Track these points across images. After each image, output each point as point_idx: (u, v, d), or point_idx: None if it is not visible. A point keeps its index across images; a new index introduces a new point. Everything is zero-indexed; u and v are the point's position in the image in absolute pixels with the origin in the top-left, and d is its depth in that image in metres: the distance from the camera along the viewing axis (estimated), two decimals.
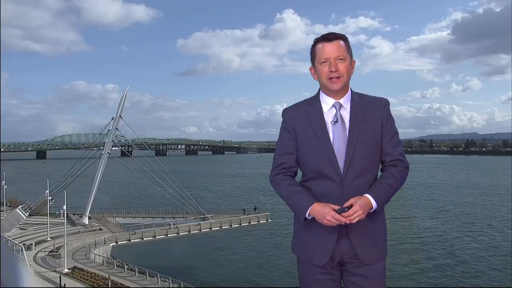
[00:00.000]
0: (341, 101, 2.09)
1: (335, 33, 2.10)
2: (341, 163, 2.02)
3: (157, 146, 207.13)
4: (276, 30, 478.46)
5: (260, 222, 41.62)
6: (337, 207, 1.95)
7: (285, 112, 2.18)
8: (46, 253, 30.95)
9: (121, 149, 59.88)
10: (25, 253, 27.41)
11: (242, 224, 40.92)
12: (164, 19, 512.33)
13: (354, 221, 1.93)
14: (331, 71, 2.03)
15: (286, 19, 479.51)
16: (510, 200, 57.77)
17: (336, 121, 2.06)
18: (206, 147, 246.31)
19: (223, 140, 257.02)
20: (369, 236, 2.07)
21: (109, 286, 23.66)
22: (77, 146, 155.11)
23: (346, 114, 2.08)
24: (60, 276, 24.07)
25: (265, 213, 42.74)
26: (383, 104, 2.12)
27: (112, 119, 49.13)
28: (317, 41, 2.10)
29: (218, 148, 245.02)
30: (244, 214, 43.25)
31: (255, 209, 44.52)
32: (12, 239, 31.70)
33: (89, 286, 24.10)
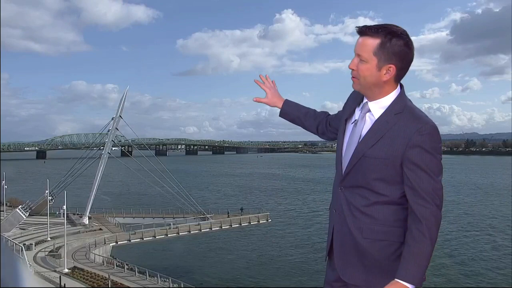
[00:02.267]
0: (371, 104, 1.81)
1: (375, 26, 1.73)
2: (344, 166, 1.85)
3: (157, 146, 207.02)
4: (275, 31, 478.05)
5: (260, 222, 41.64)
6: None
7: (352, 93, 1.99)
8: (46, 253, 30.97)
9: (121, 149, 60.13)
10: (25, 253, 27.44)
11: (242, 224, 40.94)
12: (163, 20, 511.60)
13: None
14: (349, 67, 1.80)
15: (285, 19, 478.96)
16: (511, 200, 57.79)
17: (355, 123, 1.87)
18: (206, 147, 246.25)
19: (223, 140, 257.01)
20: (352, 251, 1.84)
21: (109, 286, 23.67)
22: (77, 146, 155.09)
23: (370, 120, 1.81)
24: (60, 276, 24.09)
25: (265, 213, 42.75)
26: (420, 126, 1.68)
27: (112, 119, 49.14)
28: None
29: (218, 148, 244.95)
30: (241, 210, 43.23)
31: (241, 210, 44.26)
32: (12, 239, 31.72)
33: (89, 286, 24.12)
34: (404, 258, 1.68)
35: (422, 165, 1.67)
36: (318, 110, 2.32)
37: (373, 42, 1.71)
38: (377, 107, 1.80)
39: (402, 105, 1.76)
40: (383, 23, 1.74)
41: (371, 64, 1.73)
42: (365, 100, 1.85)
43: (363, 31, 1.73)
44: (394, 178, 1.73)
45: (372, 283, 1.82)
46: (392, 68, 1.72)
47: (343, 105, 2.06)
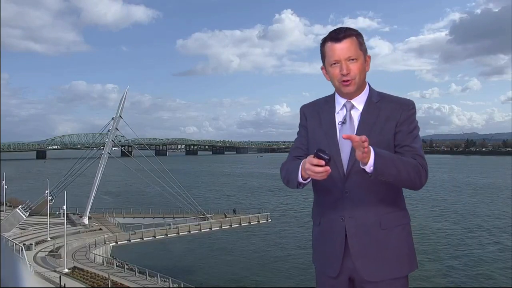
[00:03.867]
0: (353, 101, 1.94)
1: (345, 29, 1.89)
2: (345, 164, 1.88)
3: (157, 146, 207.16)
4: (275, 31, 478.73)
5: (260, 222, 41.60)
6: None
7: (301, 109, 2.11)
8: (46, 253, 30.96)
9: (121, 149, 60.10)
10: (25, 253, 27.43)
11: (242, 224, 40.90)
12: (163, 20, 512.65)
13: (357, 145, 1.65)
14: (343, 74, 1.87)
15: (284, 19, 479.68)
16: (511, 200, 57.77)
17: (344, 122, 1.94)
18: (206, 147, 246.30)
19: (223, 140, 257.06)
20: (372, 249, 1.89)
21: (109, 286, 23.66)
22: (77, 146, 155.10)
23: (356, 114, 1.93)
24: (60, 276, 24.08)
25: (265, 213, 42.73)
26: (404, 105, 1.92)
27: (112, 119, 49.14)
28: (325, 40, 1.91)
29: (218, 148, 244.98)
30: (234, 214, 43.15)
31: (234, 211, 44.11)
32: (12, 239, 31.72)
33: (89, 286, 24.11)
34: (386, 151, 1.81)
35: (411, 135, 1.90)
36: None
37: (354, 41, 1.88)
38: (359, 101, 1.95)
39: (377, 94, 1.97)
40: (339, 27, 1.93)
41: (360, 60, 1.89)
42: (344, 101, 1.96)
43: (340, 37, 1.87)
44: None
45: (393, 273, 1.91)
46: (369, 58, 1.96)
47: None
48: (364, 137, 1.64)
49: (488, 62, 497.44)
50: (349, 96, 1.94)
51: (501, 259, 32.77)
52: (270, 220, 42.03)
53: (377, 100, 1.94)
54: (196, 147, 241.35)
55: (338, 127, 1.95)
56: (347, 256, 1.92)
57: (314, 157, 1.68)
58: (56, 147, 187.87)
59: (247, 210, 45.82)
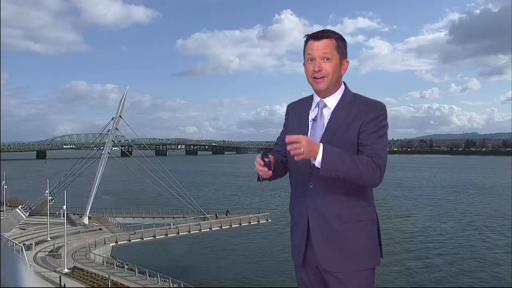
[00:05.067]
0: (326, 99, 2.04)
1: (326, 30, 2.02)
2: (312, 160, 1.92)
3: (157, 146, 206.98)
4: (274, 31, 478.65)
5: (260, 222, 41.60)
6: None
7: (287, 107, 2.25)
8: (46, 253, 30.96)
9: (121, 149, 60.10)
10: (25, 253, 27.41)
11: (242, 224, 40.90)
12: (163, 20, 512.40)
13: (290, 148, 1.80)
14: (315, 71, 1.98)
15: (284, 19, 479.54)
16: (511, 200, 57.78)
17: (314, 120, 2.04)
18: (206, 147, 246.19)
19: (223, 140, 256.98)
20: (332, 241, 1.97)
21: (109, 286, 23.66)
22: (77, 146, 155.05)
23: (327, 113, 2.03)
24: (60, 276, 24.07)
25: (265, 213, 42.73)
26: (372, 106, 1.98)
27: (112, 119, 49.14)
28: (308, 38, 2.03)
29: (218, 148, 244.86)
30: (227, 214, 43.05)
31: (227, 213, 43.88)
32: (12, 239, 31.71)
33: (89, 286, 24.10)
34: (338, 149, 1.89)
35: (374, 133, 1.94)
36: None
37: (332, 43, 1.98)
38: (332, 101, 2.04)
39: (351, 95, 2.04)
40: (322, 29, 2.03)
41: (335, 61, 1.98)
42: (318, 99, 2.06)
43: (319, 36, 1.98)
44: (350, 151, 1.93)
45: (354, 265, 1.98)
46: (347, 63, 2.04)
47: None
48: (294, 137, 1.79)
49: (488, 62, 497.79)
50: (323, 94, 2.04)
51: (501, 259, 32.76)
52: (270, 220, 42.00)
53: (350, 101, 2.02)
54: (196, 147, 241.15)
55: (310, 124, 2.06)
56: (309, 246, 2.03)
57: (260, 157, 1.93)
58: (70, 145, 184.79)
59: (247, 210, 45.81)
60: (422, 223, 46.13)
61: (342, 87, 2.06)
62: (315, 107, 2.07)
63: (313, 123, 2.05)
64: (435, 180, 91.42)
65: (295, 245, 2.11)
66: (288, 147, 1.81)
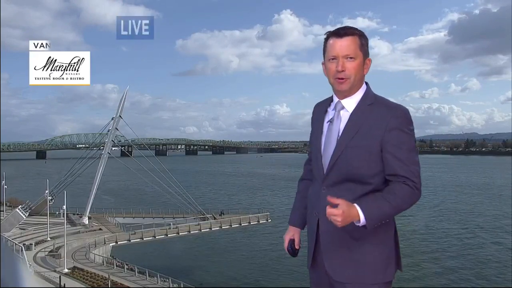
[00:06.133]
0: (344, 101, 1.90)
1: (349, 27, 1.89)
2: (326, 165, 1.88)
3: (157, 146, 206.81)
4: (274, 31, 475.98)
5: (260, 222, 41.57)
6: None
7: (314, 107, 2.13)
8: (46, 253, 30.91)
9: (121, 149, 59.93)
10: (25, 253, 27.38)
11: (242, 224, 40.88)
12: (163, 20, 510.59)
13: (328, 216, 1.70)
14: (338, 71, 1.85)
15: (284, 20, 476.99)
16: (511, 200, 57.77)
17: (331, 122, 1.92)
18: (206, 147, 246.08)
19: (223, 140, 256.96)
20: (341, 250, 1.87)
21: (109, 286, 23.65)
22: (77, 146, 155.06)
23: (346, 115, 1.89)
24: (60, 276, 24.05)
25: (265, 213, 42.71)
26: (394, 111, 1.81)
27: (112, 119, 49.08)
28: (329, 35, 1.90)
29: (218, 148, 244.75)
30: (221, 215, 42.95)
31: (221, 214, 43.64)
32: (12, 239, 31.67)
33: (89, 286, 24.09)
34: (371, 196, 1.78)
35: (401, 145, 1.79)
36: None
37: (356, 40, 1.86)
38: (351, 102, 1.90)
39: (372, 97, 1.90)
40: (344, 26, 1.92)
41: (359, 60, 1.86)
42: (336, 100, 1.95)
43: (341, 33, 1.87)
44: (378, 164, 1.82)
45: (362, 278, 1.86)
46: (369, 61, 1.92)
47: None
48: (336, 211, 1.66)
49: (487, 62, 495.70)
50: (342, 95, 1.92)
51: (501, 259, 32.77)
52: (270, 220, 41.96)
53: (370, 103, 1.87)
54: (196, 147, 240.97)
55: (325, 126, 1.95)
56: (318, 251, 1.95)
57: (287, 248, 2.09)
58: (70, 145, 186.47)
59: (247, 210, 45.77)
60: (422, 223, 46.11)
61: (364, 87, 1.93)
62: (333, 108, 1.95)
63: (329, 125, 1.93)
64: (435, 180, 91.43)
65: (308, 247, 2.05)
66: (327, 214, 1.69)
